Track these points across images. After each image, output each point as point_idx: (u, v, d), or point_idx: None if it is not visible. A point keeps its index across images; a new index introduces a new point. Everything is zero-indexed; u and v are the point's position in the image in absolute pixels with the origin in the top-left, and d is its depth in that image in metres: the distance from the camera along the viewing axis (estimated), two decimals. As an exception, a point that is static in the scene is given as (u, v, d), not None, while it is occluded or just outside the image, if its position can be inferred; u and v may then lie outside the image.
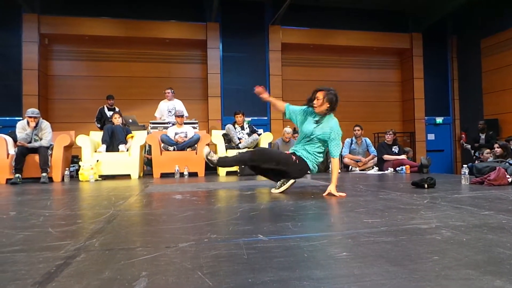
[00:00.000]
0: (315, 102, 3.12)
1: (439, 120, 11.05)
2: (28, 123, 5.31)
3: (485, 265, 1.11)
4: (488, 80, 10.18)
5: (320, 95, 3.10)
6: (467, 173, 3.77)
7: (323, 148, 3.22)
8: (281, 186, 3.20)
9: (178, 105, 7.47)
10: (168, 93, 7.50)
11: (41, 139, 5.36)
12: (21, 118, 7.77)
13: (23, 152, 5.16)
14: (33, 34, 8.62)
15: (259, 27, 9.93)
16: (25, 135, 5.25)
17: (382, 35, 10.59)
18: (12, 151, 5.35)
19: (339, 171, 5.63)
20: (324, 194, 2.95)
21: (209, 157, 3.21)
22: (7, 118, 8.33)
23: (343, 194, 2.90)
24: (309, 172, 3.26)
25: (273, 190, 3.22)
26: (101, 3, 9.15)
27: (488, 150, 6.26)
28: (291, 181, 3.23)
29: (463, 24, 10.89)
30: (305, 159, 3.17)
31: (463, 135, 10.65)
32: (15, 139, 5.43)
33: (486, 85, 10.26)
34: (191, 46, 9.81)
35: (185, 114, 7.43)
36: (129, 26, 9.17)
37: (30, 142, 5.28)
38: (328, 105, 3.11)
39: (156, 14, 9.36)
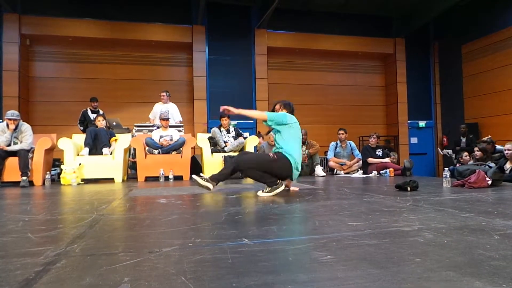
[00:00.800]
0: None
1: (421, 124, 11.27)
2: (7, 125, 5.17)
3: (465, 267, 1.13)
4: (468, 84, 10.45)
5: (277, 106, 3.72)
6: (448, 176, 3.85)
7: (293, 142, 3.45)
8: (269, 192, 3.26)
9: (172, 108, 7.35)
10: (164, 96, 7.34)
11: (21, 142, 5.23)
12: (0, 121, 7.57)
13: (2, 155, 5.02)
14: (13, 35, 8.43)
15: (245, 31, 9.95)
16: (4, 138, 5.12)
17: (367, 40, 10.76)
18: (-9, 154, 5.20)
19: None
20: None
21: (203, 184, 3.21)
22: (-14, 120, 8.10)
23: (296, 188, 3.37)
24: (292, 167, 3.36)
25: (259, 193, 3.28)
26: (85, 4, 9.02)
27: (466, 153, 6.40)
28: (281, 188, 3.30)
29: (444, 30, 11.16)
30: (285, 154, 3.36)
31: (445, 139, 10.89)
32: (-7, 142, 5.27)
33: (467, 89, 10.52)
34: (177, 48, 9.76)
35: (179, 118, 7.35)
36: (114, 28, 9.07)
37: (9, 145, 5.15)
38: (286, 111, 3.64)
39: (142, 16, 9.29)
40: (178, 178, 5.81)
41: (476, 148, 6.15)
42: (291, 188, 3.64)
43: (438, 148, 10.52)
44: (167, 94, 7.39)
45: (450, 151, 9.00)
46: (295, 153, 3.40)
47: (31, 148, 5.34)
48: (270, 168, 3.30)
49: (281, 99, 3.84)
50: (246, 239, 1.56)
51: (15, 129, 5.21)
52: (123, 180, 5.82)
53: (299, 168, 3.49)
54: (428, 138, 11.46)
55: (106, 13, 9.08)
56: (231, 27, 9.86)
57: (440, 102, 11.46)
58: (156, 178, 5.77)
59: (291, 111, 3.66)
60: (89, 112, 7.45)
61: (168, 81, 9.70)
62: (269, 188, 3.27)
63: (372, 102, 11.31)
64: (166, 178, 5.65)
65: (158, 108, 7.30)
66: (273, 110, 3.68)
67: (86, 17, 8.96)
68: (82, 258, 1.32)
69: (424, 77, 11.46)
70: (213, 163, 6.06)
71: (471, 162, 5.98)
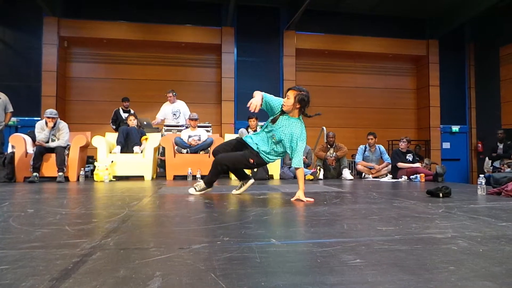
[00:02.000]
0: (284, 100, 3.00)
1: (455, 128, 10.87)
2: (46, 123, 5.43)
3: (503, 277, 1.09)
4: (506, 88, 9.98)
5: (290, 94, 2.96)
6: (483, 183, 3.70)
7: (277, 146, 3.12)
8: (241, 187, 3.46)
9: (182, 107, 7.46)
10: (170, 96, 7.40)
11: (58, 139, 5.47)
12: (39, 118, 7.96)
13: (41, 152, 5.28)
14: (53, 37, 8.85)
15: (274, 32, 9.97)
16: (43, 135, 5.37)
17: (398, 42, 10.51)
18: (31, 150, 5.48)
19: (316, 177, 5.84)
20: (292, 199, 2.95)
21: (198, 189, 3.38)
22: (27, 118, 8.54)
23: (311, 200, 2.89)
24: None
25: (234, 192, 3.49)
26: (119, 7, 9.34)
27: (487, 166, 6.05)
28: (250, 181, 3.47)
29: (481, 31, 10.73)
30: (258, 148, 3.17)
31: (480, 144, 10.45)
32: (33, 139, 5.56)
33: (504, 93, 10.05)
34: (206, 50, 9.92)
35: (188, 115, 7.44)
36: (146, 30, 9.33)
37: (47, 142, 5.40)
38: (299, 105, 2.96)
39: (173, 18, 9.50)
40: (205, 177, 5.88)
41: (514, 155, 5.86)
42: (305, 199, 2.90)
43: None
44: (174, 93, 7.45)
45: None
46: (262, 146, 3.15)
47: (67, 145, 5.58)
48: (245, 160, 3.19)
49: (315, 104, 3.24)
50: (273, 239, 1.57)
51: (53, 127, 5.46)
52: (152, 178, 5.96)
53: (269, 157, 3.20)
54: (462, 144, 11.03)
55: (139, 15, 9.36)
56: (259, 28, 9.91)
57: (475, 106, 11.01)
58: (184, 177, 5.88)
59: (303, 111, 3.05)
60: (121, 111, 7.68)
61: (196, 82, 9.88)
62: (241, 183, 3.46)
63: (402, 106, 11.02)
64: (194, 177, 5.75)
65: (168, 109, 7.40)
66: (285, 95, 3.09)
67: (120, 20, 9.28)
68: (116, 252, 1.37)
69: (459, 80, 11.05)
70: (239, 164, 6.10)
71: (509, 169, 5.71)
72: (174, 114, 7.38)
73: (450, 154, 10.80)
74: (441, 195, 3.28)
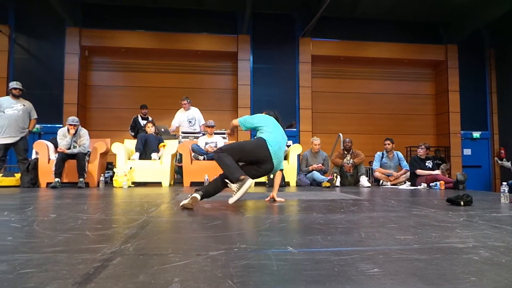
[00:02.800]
0: None
1: (476, 134, 10.61)
2: (68, 130, 5.59)
3: (527, 289, 1.06)
4: (530, 93, 9.71)
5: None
6: (507, 191, 3.59)
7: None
8: (237, 190, 2.94)
9: (197, 114, 7.53)
10: (185, 103, 7.45)
11: (79, 146, 5.62)
12: (61, 125, 8.19)
13: (63, 158, 5.43)
14: (74, 46, 9.13)
15: (289, 39, 10.01)
16: (65, 142, 5.53)
17: (415, 47, 10.39)
18: (53, 156, 5.65)
19: (333, 184, 5.86)
20: (266, 200, 3.53)
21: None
22: (49, 125, 8.80)
23: (282, 199, 3.48)
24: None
25: (230, 200, 3.00)
26: (137, 17, 9.56)
27: None
28: (248, 183, 2.94)
29: (502, 35, 10.48)
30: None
31: (502, 151, 10.16)
32: (56, 145, 5.73)
33: (527, 98, 9.78)
34: (222, 57, 10.03)
35: (202, 122, 7.52)
36: (163, 39, 9.52)
37: (69, 149, 5.55)
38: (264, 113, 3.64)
39: (189, 27, 9.67)
40: (221, 184, 5.92)
41: (538, 162, 5.67)
42: (277, 199, 3.49)
43: (496, 158, 9.81)
44: (188, 100, 7.51)
45: (509, 163, 8.36)
46: (267, 137, 3.22)
47: (88, 151, 5.72)
48: (243, 151, 3.16)
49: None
50: (290, 247, 1.57)
51: (74, 134, 5.61)
52: (169, 184, 6.04)
53: (280, 156, 3.28)
54: (483, 150, 10.74)
55: (156, 25, 9.56)
56: (275, 35, 9.97)
57: (497, 111, 10.73)
58: (201, 183, 5.93)
59: (274, 116, 3.56)
60: (139, 118, 7.82)
61: (213, 89, 9.99)
62: (236, 185, 2.93)
63: (420, 111, 10.84)
64: (210, 183, 5.78)
65: (183, 116, 7.46)
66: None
67: (138, 29, 9.50)
68: (135, 257, 1.39)
69: (479, 85, 10.80)
70: (255, 170, 6.12)
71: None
72: (190, 122, 7.45)
73: (471, 161, 10.53)
74: (462, 203, 3.20)
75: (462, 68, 10.45)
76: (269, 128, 3.35)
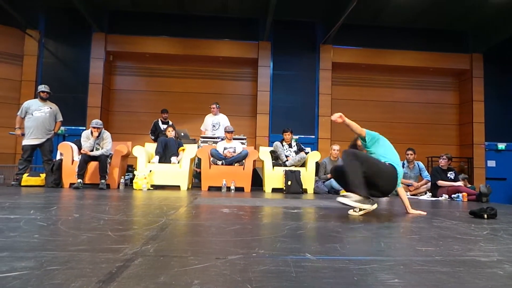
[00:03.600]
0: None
1: (501, 146, 10.28)
2: (92, 132, 5.75)
3: (555, 306, 1.03)
4: (559, 104, 9.35)
5: (359, 142, 3.57)
6: (533, 205, 3.47)
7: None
8: (360, 210, 3.02)
9: (223, 120, 7.63)
10: (214, 108, 7.66)
11: (102, 148, 5.76)
12: (84, 128, 8.43)
13: (85, 160, 5.58)
14: (100, 51, 9.40)
15: (310, 46, 10.00)
16: (88, 144, 5.69)
17: (439, 56, 10.19)
18: (77, 158, 5.81)
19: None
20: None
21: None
22: (73, 127, 9.06)
23: (423, 213, 3.34)
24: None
25: (351, 212, 3.06)
26: (161, 23, 9.77)
27: None
28: (374, 206, 3.05)
29: (529, 44, 10.17)
30: (392, 164, 3.18)
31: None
32: (79, 147, 5.89)
33: (556, 109, 9.42)
34: (243, 64, 10.11)
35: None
36: (186, 45, 9.68)
37: (92, 151, 5.70)
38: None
39: (211, 33, 9.80)
40: (239, 189, 5.96)
41: None
42: (413, 212, 3.34)
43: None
44: (217, 106, 7.65)
45: None
46: (397, 164, 3.20)
47: (110, 154, 5.86)
48: (377, 173, 3.03)
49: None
50: (309, 254, 1.56)
51: (97, 136, 5.76)
52: (188, 188, 6.11)
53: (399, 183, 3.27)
54: (509, 162, 10.38)
55: (179, 31, 9.74)
56: (296, 42, 9.98)
57: (523, 122, 10.38)
58: (218, 188, 5.97)
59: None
60: (160, 122, 7.97)
61: (233, 95, 10.07)
62: (359, 199, 2.92)
63: (443, 121, 10.60)
64: (228, 188, 5.82)
65: (210, 120, 7.59)
66: (354, 145, 3.61)
67: (161, 35, 9.70)
68: (156, 258, 1.42)
69: (505, 96, 10.47)
70: (274, 177, 6.12)
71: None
72: (214, 126, 7.55)
73: (496, 173, 10.19)
74: (485, 216, 3.11)
75: (487, 77, 10.18)
76: (395, 159, 3.25)
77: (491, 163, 10.23)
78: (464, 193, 5.65)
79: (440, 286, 1.18)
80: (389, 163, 3.18)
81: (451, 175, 6.19)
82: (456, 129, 10.67)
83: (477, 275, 1.33)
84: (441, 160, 6.38)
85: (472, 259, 1.59)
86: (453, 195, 5.81)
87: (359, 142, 3.52)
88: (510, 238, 2.16)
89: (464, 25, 10.02)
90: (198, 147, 6.75)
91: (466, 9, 9.15)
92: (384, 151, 3.27)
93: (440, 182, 6.09)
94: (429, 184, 6.31)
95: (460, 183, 6.07)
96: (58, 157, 6.04)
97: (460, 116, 10.61)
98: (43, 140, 6.01)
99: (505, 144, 10.31)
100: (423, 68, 10.30)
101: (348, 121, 3.27)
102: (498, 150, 10.29)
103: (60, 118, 6.36)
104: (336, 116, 3.21)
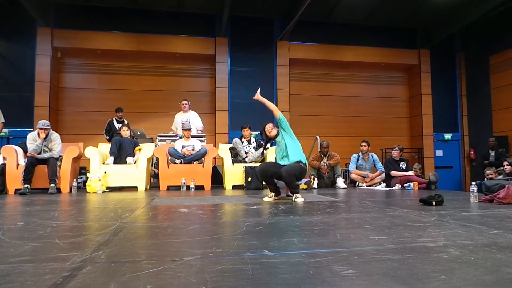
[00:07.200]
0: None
1: (447, 136, 10.97)
2: (38, 134, 5.39)
3: (493, 286, 1.10)
4: (497, 96, 10.13)
5: (270, 126, 4.51)
6: (475, 191, 3.73)
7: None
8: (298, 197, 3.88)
9: (192, 117, 7.38)
10: (185, 104, 7.34)
11: (50, 150, 5.43)
12: (31, 129, 7.90)
13: (32, 163, 5.22)
14: (46, 47, 8.83)
15: (268, 42, 10.05)
16: (35, 146, 5.33)
17: (390, 51, 10.65)
18: (22, 161, 5.42)
19: (310, 186, 6.09)
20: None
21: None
22: (18, 129, 8.46)
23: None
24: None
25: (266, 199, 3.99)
26: (113, 18, 9.36)
27: (489, 172, 6.00)
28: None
29: (471, 41, 10.91)
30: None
31: (472, 152, 10.55)
32: (25, 150, 5.50)
33: (495, 101, 10.20)
34: (200, 60, 9.95)
35: (201, 125, 7.40)
36: (140, 41, 9.36)
37: (40, 153, 5.35)
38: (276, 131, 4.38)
39: (167, 29, 9.54)
40: (199, 187, 5.87)
41: (505, 163, 5.91)
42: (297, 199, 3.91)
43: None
44: (188, 103, 7.42)
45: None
46: (303, 157, 4.13)
47: (60, 156, 5.53)
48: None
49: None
50: (266, 250, 1.56)
51: (45, 138, 5.42)
52: (146, 189, 5.92)
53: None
54: (454, 151, 11.12)
55: (133, 26, 9.38)
56: (253, 39, 9.99)
57: (467, 114, 11.14)
58: (177, 188, 5.85)
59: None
60: (115, 122, 7.65)
61: (190, 92, 9.88)
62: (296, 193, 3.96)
63: (395, 114, 11.12)
64: (188, 187, 5.72)
65: (179, 118, 7.37)
66: (263, 130, 4.42)
67: (114, 31, 9.29)
68: (106, 265, 1.35)
69: (450, 89, 11.19)
70: (234, 173, 6.10)
71: (500, 177, 5.76)
72: (183, 124, 7.26)
73: (443, 162, 10.88)
74: (434, 203, 3.30)
75: (434, 72, 10.80)
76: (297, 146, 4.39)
77: (439, 153, 10.90)
78: (415, 182, 5.96)
79: (391, 273, 1.22)
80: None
81: (403, 165, 6.50)
82: (407, 121, 11.24)
83: (425, 260, 1.40)
84: (393, 151, 6.68)
85: (421, 245, 1.67)
86: (405, 185, 6.11)
87: (267, 127, 4.40)
88: (455, 223, 2.29)
89: (412, 22, 10.54)
90: (156, 146, 6.56)
91: (414, 8, 9.63)
92: (292, 146, 4.18)
93: (393, 173, 6.39)
94: (383, 174, 6.59)
95: (411, 173, 6.39)
96: (0, 161, 5.61)
97: (410, 109, 11.19)
98: (-16, 143, 5.55)
99: (451, 134, 11.02)
100: (375, 64, 10.71)
101: (262, 99, 4.51)
102: (445, 140, 10.98)
103: (1, 119, 5.91)
104: (256, 96, 4.31)
